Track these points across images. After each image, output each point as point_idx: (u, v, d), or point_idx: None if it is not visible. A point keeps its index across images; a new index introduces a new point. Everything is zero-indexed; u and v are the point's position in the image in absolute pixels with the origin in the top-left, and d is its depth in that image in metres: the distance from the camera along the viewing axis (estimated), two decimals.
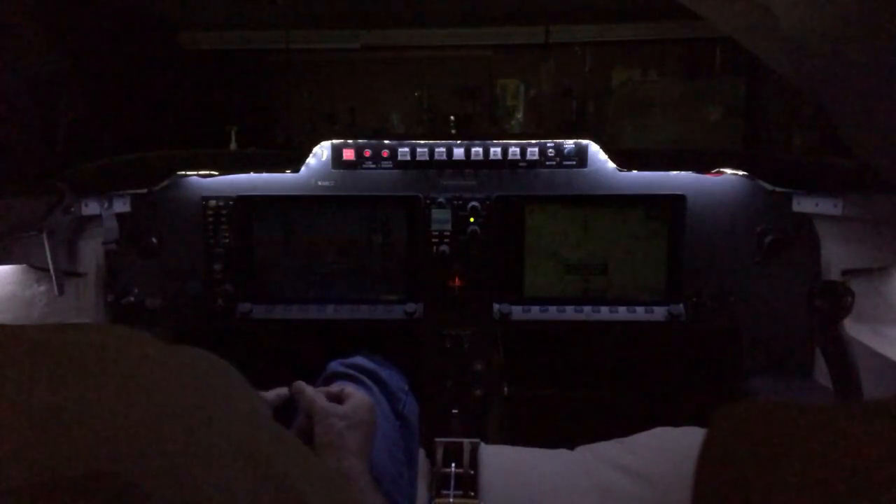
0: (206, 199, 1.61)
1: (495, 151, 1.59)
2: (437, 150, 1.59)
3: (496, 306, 1.62)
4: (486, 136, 1.60)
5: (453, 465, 1.19)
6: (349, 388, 1.01)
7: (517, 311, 1.61)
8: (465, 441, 1.23)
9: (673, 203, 1.56)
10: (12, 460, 0.33)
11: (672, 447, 1.08)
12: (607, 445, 1.15)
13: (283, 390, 0.97)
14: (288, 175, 1.61)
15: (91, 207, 1.50)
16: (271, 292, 1.63)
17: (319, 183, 1.61)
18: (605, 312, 1.60)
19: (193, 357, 0.45)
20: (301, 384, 0.96)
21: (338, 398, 0.98)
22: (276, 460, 0.43)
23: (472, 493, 1.13)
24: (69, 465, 0.33)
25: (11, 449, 0.33)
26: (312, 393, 0.95)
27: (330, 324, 1.63)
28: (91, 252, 1.58)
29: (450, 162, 1.60)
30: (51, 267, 1.39)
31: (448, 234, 1.60)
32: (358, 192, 1.61)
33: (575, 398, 1.93)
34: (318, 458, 0.54)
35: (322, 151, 1.61)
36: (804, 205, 1.49)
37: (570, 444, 1.19)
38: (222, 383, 0.46)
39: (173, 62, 3.35)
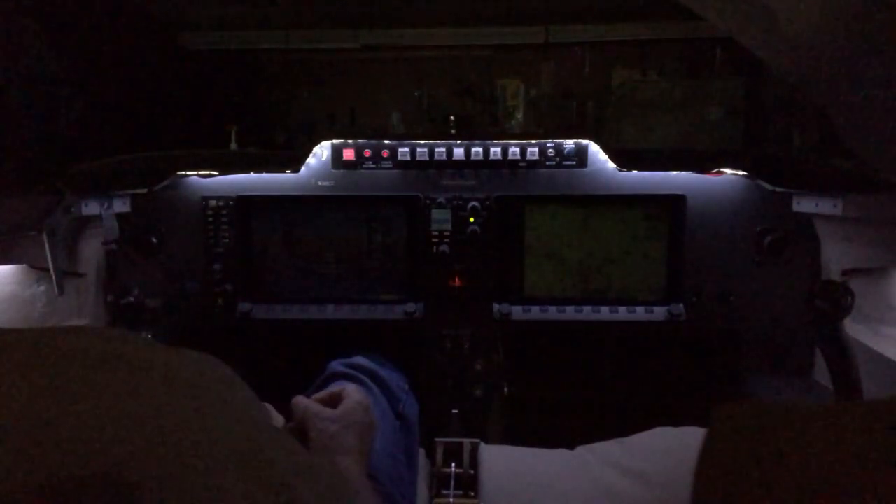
0: (206, 199, 1.61)
1: (495, 151, 1.59)
2: (437, 150, 1.59)
3: (496, 306, 1.62)
4: (486, 136, 1.60)
5: (453, 465, 1.19)
6: (347, 388, 1.01)
7: (517, 311, 1.61)
8: (465, 441, 1.23)
9: (673, 203, 1.56)
10: (12, 462, 0.33)
11: (672, 447, 1.08)
12: (607, 445, 1.15)
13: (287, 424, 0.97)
14: (288, 175, 1.61)
15: (91, 207, 1.50)
16: (271, 292, 1.63)
17: (319, 183, 1.61)
18: (605, 312, 1.60)
19: (193, 360, 0.45)
20: (298, 398, 0.96)
21: (335, 400, 0.98)
22: (274, 464, 0.43)
23: (472, 493, 1.13)
24: (68, 466, 0.33)
25: (11, 451, 0.33)
26: (305, 402, 0.95)
27: (330, 324, 1.63)
28: (91, 252, 1.58)
29: (450, 162, 1.60)
30: (51, 267, 1.39)
31: (448, 234, 1.60)
32: (358, 192, 1.61)
33: (575, 398, 1.93)
34: (315, 461, 0.54)
35: (322, 151, 1.61)
36: (804, 205, 1.49)
37: (570, 444, 1.19)
38: (221, 387, 0.46)
39: (173, 62, 3.35)
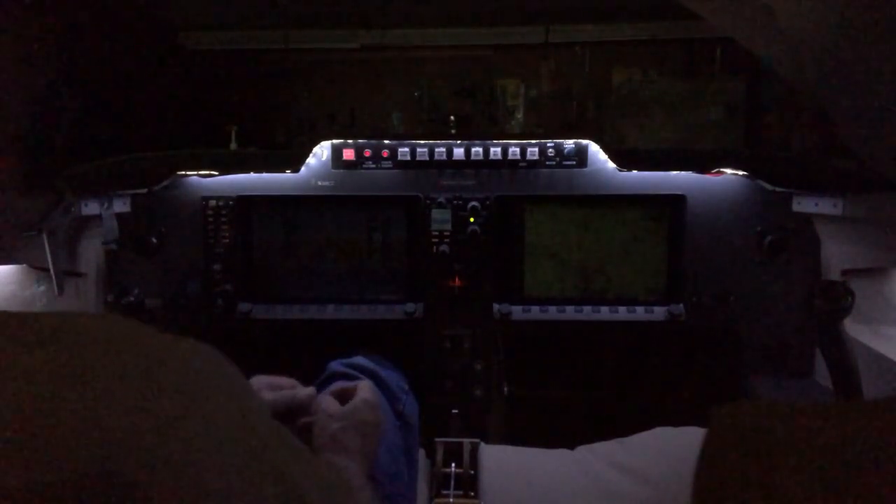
0: (206, 199, 1.61)
1: (495, 151, 1.59)
2: (437, 150, 1.59)
3: (496, 306, 1.62)
4: (486, 136, 1.60)
5: (453, 465, 1.19)
6: (361, 385, 0.99)
7: (517, 311, 1.61)
8: (465, 441, 1.23)
9: (673, 203, 1.56)
10: (8, 458, 0.32)
11: (672, 447, 1.08)
12: (607, 445, 1.15)
13: (302, 392, 0.95)
14: (288, 175, 1.61)
15: (91, 207, 1.50)
16: (271, 292, 1.63)
17: (319, 183, 1.61)
18: (605, 312, 1.60)
19: (192, 350, 0.45)
20: (319, 395, 0.96)
21: (347, 396, 0.97)
22: (276, 456, 0.43)
23: (472, 493, 1.13)
24: (68, 464, 0.33)
25: (9, 447, 0.33)
26: (321, 398, 0.94)
27: (330, 324, 1.63)
28: (91, 252, 1.58)
29: (450, 162, 1.60)
30: (51, 267, 1.39)
31: (448, 234, 1.60)
32: (358, 192, 1.61)
33: (575, 398, 1.93)
34: (315, 457, 0.54)
35: (322, 151, 1.61)
36: (804, 205, 1.49)
37: (570, 444, 1.19)
38: (221, 378, 0.46)
39: (173, 62, 3.35)
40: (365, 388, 0.98)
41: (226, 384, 0.45)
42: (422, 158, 1.59)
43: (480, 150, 1.59)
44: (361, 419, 0.91)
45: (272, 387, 0.95)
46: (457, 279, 1.60)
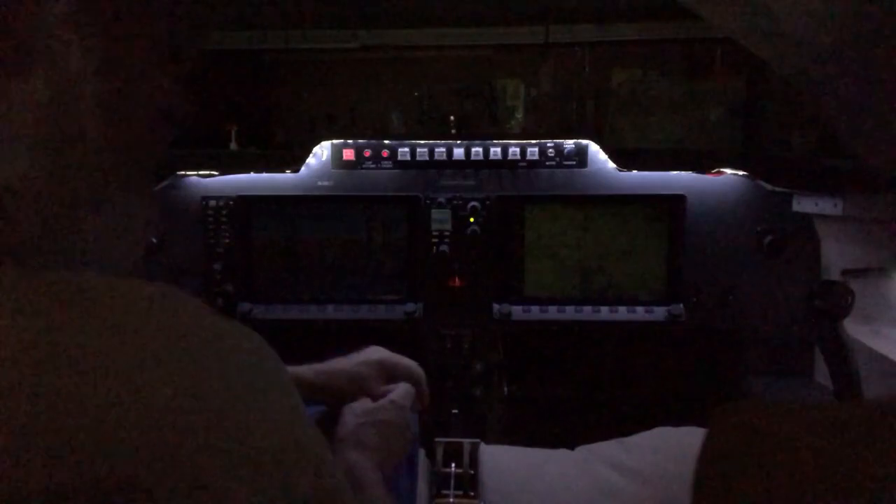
0: (206, 199, 1.61)
1: (495, 151, 1.59)
2: (437, 150, 1.59)
3: (496, 306, 1.62)
4: (486, 136, 1.60)
5: (453, 465, 1.19)
6: (401, 386, 0.98)
7: (517, 311, 1.61)
8: (465, 441, 1.23)
9: (673, 203, 1.56)
10: (11, 461, 0.29)
11: (672, 447, 1.08)
12: (607, 445, 1.15)
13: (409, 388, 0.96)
14: (288, 175, 1.61)
15: None
16: (271, 292, 1.63)
17: (319, 183, 1.61)
18: (605, 312, 1.60)
19: (242, 335, 0.42)
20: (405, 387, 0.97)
21: (381, 393, 0.97)
22: (315, 448, 0.42)
23: (472, 493, 1.13)
24: (77, 469, 0.30)
25: (10, 449, 0.30)
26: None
27: (330, 324, 1.63)
28: None
29: (450, 162, 1.60)
30: None
31: (448, 234, 1.60)
32: (358, 192, 1.61)
33: (575, 398, 1.93)
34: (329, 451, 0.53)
35: (322, 151, 1.61)
36: (804, 205, 1.49)
37: (570, 444, 1.19)
38: (272, 367, 0.43)
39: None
40: (400, 392, 0.97)
41: (280, 381, 0.43)
42: (422, 158, 1.59)
43: (480, 150, 1.59)
44: (382, 419, 0.90)
45: (383, 369, 0.98)
46: (456, 279, 1.60)
